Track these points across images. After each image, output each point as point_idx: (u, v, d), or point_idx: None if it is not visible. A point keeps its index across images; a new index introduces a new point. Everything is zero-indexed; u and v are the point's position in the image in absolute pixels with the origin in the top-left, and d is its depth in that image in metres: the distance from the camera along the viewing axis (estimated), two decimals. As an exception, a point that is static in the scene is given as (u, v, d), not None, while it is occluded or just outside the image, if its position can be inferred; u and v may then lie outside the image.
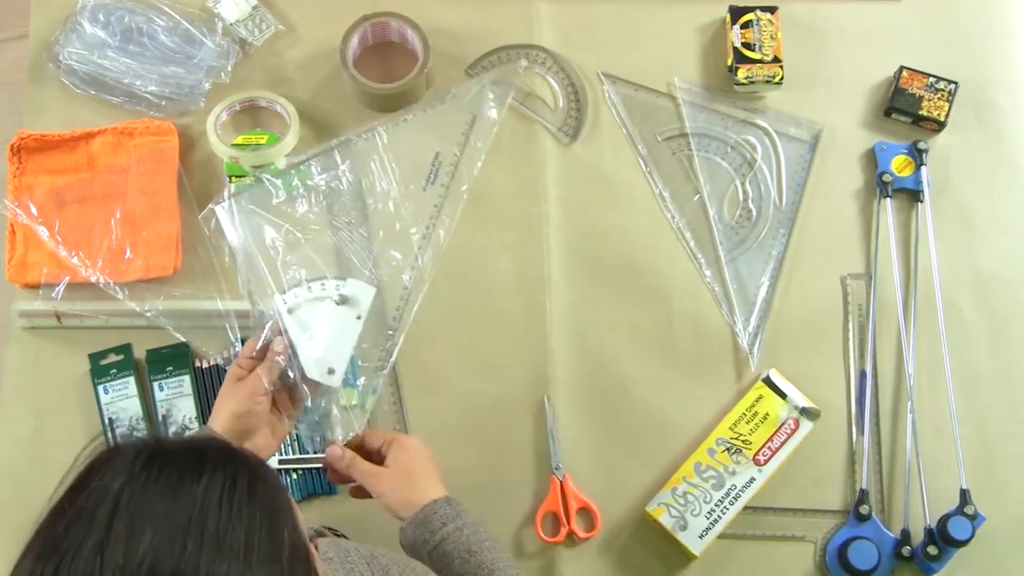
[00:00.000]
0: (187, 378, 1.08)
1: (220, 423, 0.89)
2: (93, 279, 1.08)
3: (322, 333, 0.93)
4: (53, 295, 1.08)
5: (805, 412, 1.07)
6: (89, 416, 1.06)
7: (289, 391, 0.94)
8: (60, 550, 0.54)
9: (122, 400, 1.06)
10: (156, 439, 0.61)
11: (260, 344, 0.94)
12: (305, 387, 0.95)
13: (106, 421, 1.06)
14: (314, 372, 0.94)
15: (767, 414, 1.07)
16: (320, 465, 1.03)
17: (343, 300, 0.91)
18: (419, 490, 0.91)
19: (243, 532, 0.56)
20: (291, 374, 0.93)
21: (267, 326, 0.94)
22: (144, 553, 0.53)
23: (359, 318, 0.91)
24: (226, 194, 1.01)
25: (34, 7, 1.22)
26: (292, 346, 0.93)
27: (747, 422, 1.07)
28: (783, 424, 1.06)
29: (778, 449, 1.05)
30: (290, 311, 0.92)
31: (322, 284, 0.92)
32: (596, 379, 1.10)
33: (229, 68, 1.18)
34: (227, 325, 1.08)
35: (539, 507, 1.05)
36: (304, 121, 1.16)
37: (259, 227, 1.03)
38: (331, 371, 0.94)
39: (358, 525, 1.02)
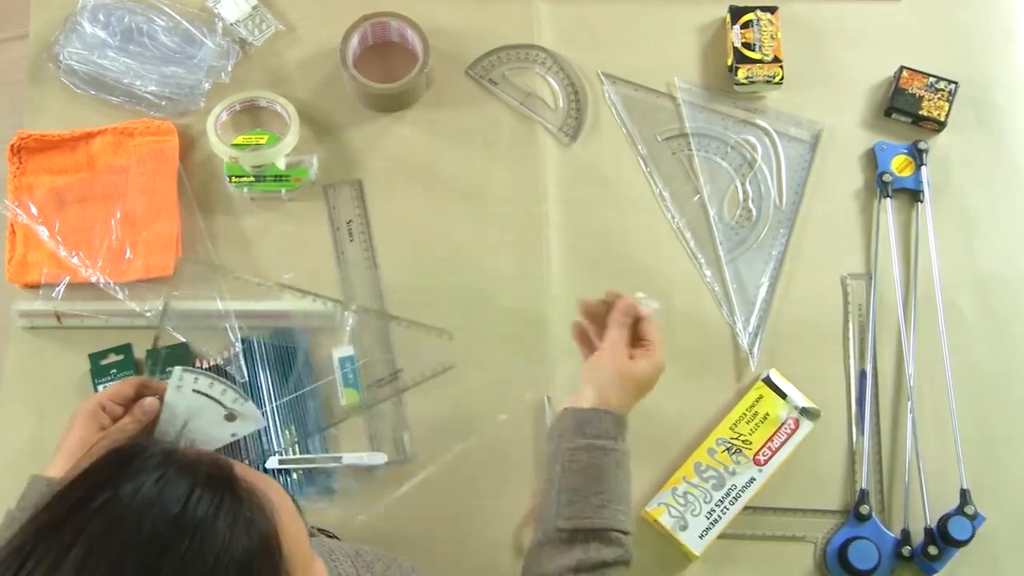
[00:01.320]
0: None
1: (67, 451, 0.84)
2: (93, 279, 1.08)
3: (191, 424, 0.89)
4: (53, 295, 1.08)
5: (805, 412, 1.07)
6: (89, 416, 1.06)
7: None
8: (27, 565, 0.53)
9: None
10: (168, 450, 0.60)
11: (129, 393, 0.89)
12: None
13: (106, 421, 1.06)
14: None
15: (767, 414, 1.07)
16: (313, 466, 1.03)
17: (231, 417, 0.88)
18: (602, 395, 0.89)
19: None
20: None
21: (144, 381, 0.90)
22: None
23: (233, 435, 0.88)
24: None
25: (34, 7, 1.22)
26: (157, 415, 0.88)
27: (747, 422, 1.07)
28: (783, 424, 1.07)
29: (778, 449, 1.05)
30: (178, 388, 0.88)
31: (224, 389, 0.89)
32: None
33: (229, 68, 1.18)
34: (227, 325, 1.08)
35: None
36: (304, 121, 1.16)
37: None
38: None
39: (348, 525, 1.03)
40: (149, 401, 0.87)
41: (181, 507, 0.55)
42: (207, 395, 0.86)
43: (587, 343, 0.96)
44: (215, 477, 0.59)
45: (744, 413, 1.07)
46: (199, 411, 0.86)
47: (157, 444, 0.61)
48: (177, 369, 0.86)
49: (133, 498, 0.56)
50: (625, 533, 0.87)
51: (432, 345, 1.09)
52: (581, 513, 0.85)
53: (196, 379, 0.86)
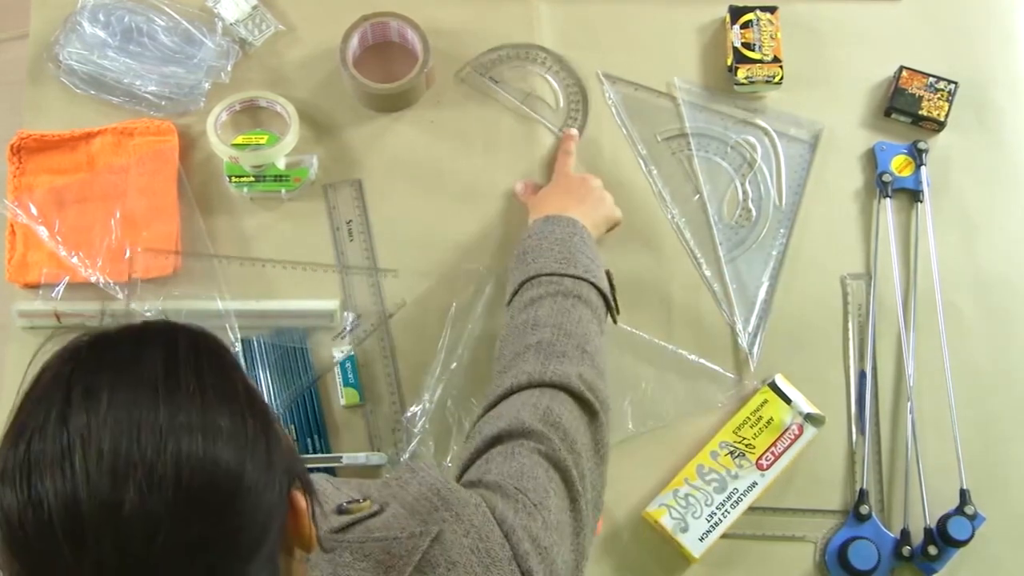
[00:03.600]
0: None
1: None
2: (93, 279, 1.08)
3: None
4: (53, 295, 1.08)
5: (810, 418, 1.07)
6: (89, 416, 1.06)
7: None
8: (26, 432, 0.55)
9: (122, 400, 1.06)
10: (97, 330, 0.62)
11: None
12: None
13: (106, 421, 1.06)
14: None
15: (771, 419, 1.07)
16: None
17: None
18: (577, 202, 1.01)
19: (193, 379, 0.58)
20: None
21: None
22: (105, 413, 0.54)
23: None
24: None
25: (34, 7, 1.22)
26: None
27: (751, 426, 1.07)
28: (787, 429, 1.06)
29: (781, 454, 1.05)
30: None
31: None
32: (596, 379, 1.10)
33: (229, 68, 1.18)
34: (227, 325, 1.08)
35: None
36: (304, 121, 1.16)
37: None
38: None
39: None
40: None
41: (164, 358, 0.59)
42: None
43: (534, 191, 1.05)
44: (186, 333, 0.62)
45: (748, 417, 1.07)
46: None
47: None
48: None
49: (115, 351, 0.60)
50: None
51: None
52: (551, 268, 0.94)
53: None
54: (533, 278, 0.95)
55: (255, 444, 0.58)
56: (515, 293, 0.97)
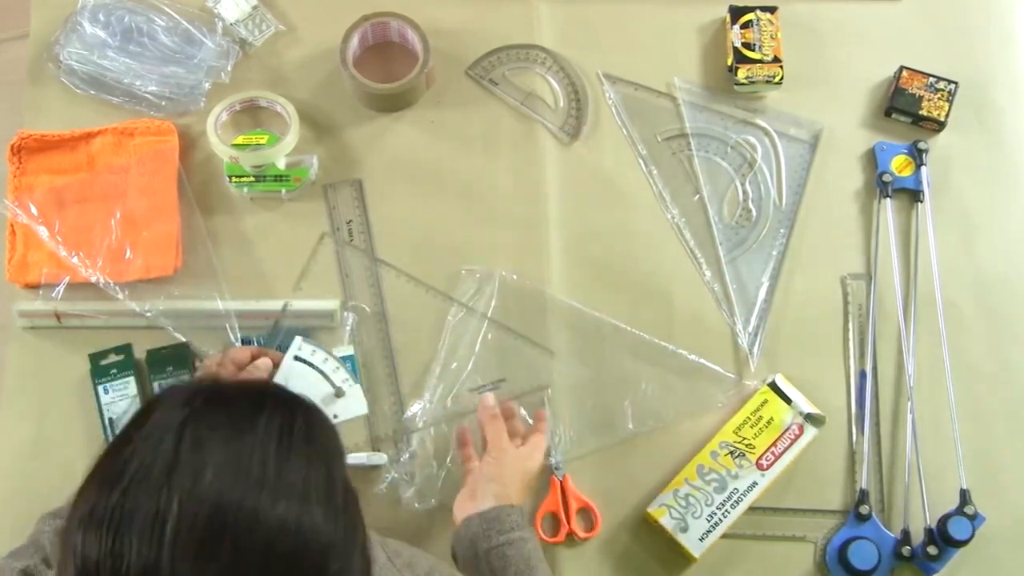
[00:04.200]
0: (187, 378, 1.07)
1: None
2: (93, 279, 1.08)
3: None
4: (53, 295, 1.08)
5: (810, 418, 1.07)
6: (89, 416, 1.06)
7: None
8: (126, 476, 0.54)
9: (122, 400, 1.06)
10: (214, 380, 0.62)
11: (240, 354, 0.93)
12: None
13: (106, 421, 1.06)
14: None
15: (771, 419, 1.07)
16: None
17: (339, 393, 0.92)
18: (504, 491, 0.92)
19: (302, 472, 0.57)
20: None
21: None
22: (211, 482, 0.54)
23: (335, 416, 0.92)
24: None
25: (34, 7, 1.22)
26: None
27: (751, 426, 1.07)
28: (787, 429, 1.06)
29: (781, 454, 1.05)
30: (295, 357, 0.92)
31: (336, 368, 0.93)
32: (596, 379, 1.10)
33: (229, 68, 1.18)
34: (227, 325, 1.08)
35: (539, 507, 1.05)
36: (304, 121, 1.16)
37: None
38: None
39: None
40: (263, 360, 0.91)
41: (267, 420, 0.59)
42: (319, 369, 0.91)
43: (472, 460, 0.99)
44: (280, 395, 0.63)
45: (748, 417, 1.07)
46: (309, 384, 0.90)
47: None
48: (297, 338, 0.91)
49: (211, 421, 0.58)
50: None
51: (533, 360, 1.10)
52: None
53: (313, 351, 0.91)
54: None
55: (347, 542, 0.58)
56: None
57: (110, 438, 1.05)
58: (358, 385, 0.92)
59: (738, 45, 1.20)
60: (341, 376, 0.92)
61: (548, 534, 1.04)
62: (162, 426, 0.57)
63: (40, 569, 0.75)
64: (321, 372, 0.91)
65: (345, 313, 1.10)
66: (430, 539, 1.03)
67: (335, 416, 0.91)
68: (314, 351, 0.92)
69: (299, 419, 0.60)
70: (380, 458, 1.05)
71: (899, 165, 1.18)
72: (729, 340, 1.12)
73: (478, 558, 0.88)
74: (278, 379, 0.90)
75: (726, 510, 1.03)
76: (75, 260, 1.09)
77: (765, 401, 1.08)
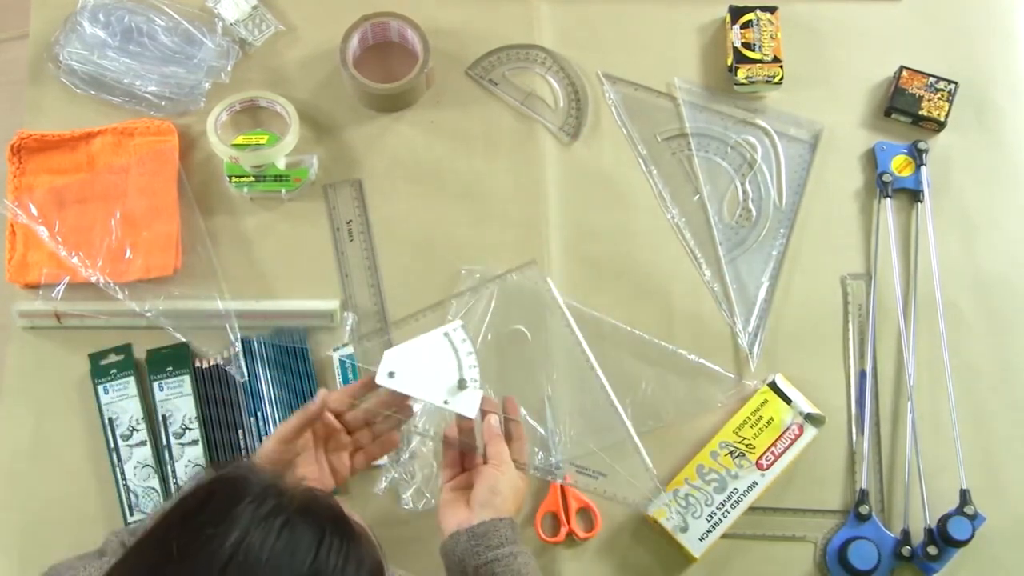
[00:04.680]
0: (187, 378, 1.08)
1: (263, 449, 0.90)
2: (93, 279, 1.08)
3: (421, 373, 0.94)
4: (53, 295, 1.08)
5: (810, 418, 1.07)
6: (89, 416, 1.06)
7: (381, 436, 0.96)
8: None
9: (122, 400, 1.07)
10: (277, 486, 0.63)
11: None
12: (394, 437, 0.96)
13: (106, 421, 1.06)
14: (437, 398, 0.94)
15: (771, 419, 1.07)
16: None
17: (462, 386, 0.93)
18: (504, 503, 0.91)
19: None
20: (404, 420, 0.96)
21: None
22: None
23: (445, 403, 0.92)
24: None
25: (34, 7, 1.22)
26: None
27: (751, 426, 1.07)
28: (787, 429, 1.06)
29: (781, 454, 1.05)
30: (446, 335, 0.94)
31: (474, 365, 0.94)
32: (596, 379, 1.10)
33: (229, 68, 1.18)
34: (227, 325, 1.08)
35: (539, 507, 1.05)
36: (304, 121, 1.16)
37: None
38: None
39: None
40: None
41: (314, 557, 0.60)
42: (458, 357, 0.94)
43: (456, 465, 0.97)
44: (338, 523, 0.63)
45: (748, 417, 1.07)
46: (440, 363, 0.93)
47: (259, 475, 0.64)
48: (458, 321, 0.96)
49: (264, 545, 0.59)
50: None
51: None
52: None
53: (464, 340, 0.94)
54: None
55: None
56: None
57: (110, 438, 1.05)
58: (481, 392, 0.93)
59: (738, 45, 1.20)
60: (473, 374, 0.93)
61: (548, 534, 1.05)
62: (214, 544, 0.58)
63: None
64: (458, 360, 0.93)
65: (345, 313, 1.10)
66: (430, 539, 1.03)
67: (445, 402, 0.92)
68: (464, 340, 0.94)
69: (348, 542, 0.62)
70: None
71: (899, 165, 1.18)
72: (729, 340, 1.12)
73: (469, 573, 0.87)
74: (417, 346, 0.92)
75: (726, 510, 1.03)
76: (75, 260, 1.09)
77: (765, 401, 1.08)
